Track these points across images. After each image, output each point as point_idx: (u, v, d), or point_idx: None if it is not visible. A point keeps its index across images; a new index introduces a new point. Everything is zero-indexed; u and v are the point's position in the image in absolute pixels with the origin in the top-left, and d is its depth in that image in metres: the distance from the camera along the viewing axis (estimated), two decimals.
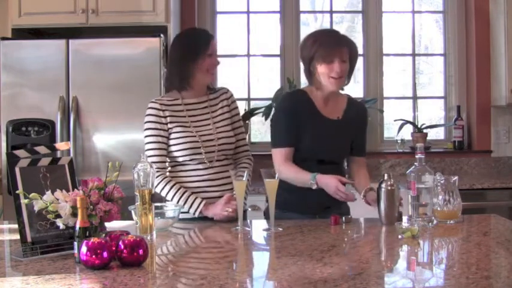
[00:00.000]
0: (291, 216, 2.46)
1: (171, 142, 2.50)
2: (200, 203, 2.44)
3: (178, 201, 2.44)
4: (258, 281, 1.69)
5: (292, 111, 2.51)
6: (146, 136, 2.51)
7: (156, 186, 2.41)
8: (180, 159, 2.50)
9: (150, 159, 2.41)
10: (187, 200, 2.45)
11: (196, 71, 2.50)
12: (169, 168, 2.54)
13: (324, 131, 2.52)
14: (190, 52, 2.50)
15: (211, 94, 2.62)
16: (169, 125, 2.50)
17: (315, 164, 2.48)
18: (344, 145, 2.58)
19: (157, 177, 2.43)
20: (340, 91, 2.62)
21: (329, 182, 2.37)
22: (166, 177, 2.49)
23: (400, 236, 2.06)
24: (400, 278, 1.66)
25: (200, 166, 2.51)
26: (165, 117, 2.51)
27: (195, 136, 2.49)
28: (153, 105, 2.53)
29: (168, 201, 2.47)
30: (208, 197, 2.48)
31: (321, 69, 2.45)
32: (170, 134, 2.50)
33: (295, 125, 2.49)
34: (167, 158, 2.53)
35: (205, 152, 2.49)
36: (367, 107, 4.25)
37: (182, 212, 2.39)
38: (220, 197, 2.47)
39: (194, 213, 2.44)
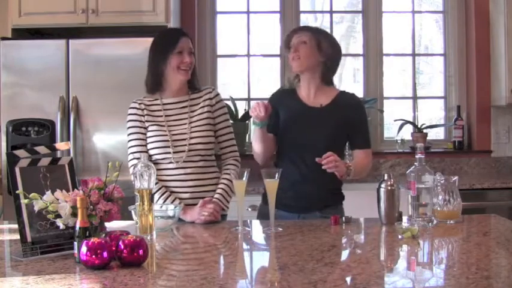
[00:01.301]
0: (280, 214, 2.46)
1: (147, 140, 2.52)
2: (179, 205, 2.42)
3: (157, 200, 2.44)
4: (258, 281, 1.69)
5: (270, 102, 2.54)
6: (128, 134, 2.56)
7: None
8: (153, 158, 2.51)
9: (130, 157, 2.50)
10: (166, 200, 2.45)
11: (167, 71, 2.51)
12: None
13: (305, 118, 2.55)
14: (159, 52, 2.52)
15: (193, 94, 2.61)
16: (147, 124, 2.53)
17: (298, 153, 2.52)
18: (327, 131, 2.52)
19: None
20: (337, 87, 2.66)
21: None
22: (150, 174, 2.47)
23: (400, 236, 2.06)
24: (400, 278, 1.66)
25: (170, 166, 2.50)
26: (144, 115, 2.54)
27: (167, 135, 2.50)
28: (133, 105, 2.58)
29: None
30: (177, 198, 2.47)
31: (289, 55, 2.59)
32: (147, 132, 2.52)
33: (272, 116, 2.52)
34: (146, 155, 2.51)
35: (174, 152, 2.49)
36: (367, 107, 4.32)
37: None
38: (190, 198, 2.48)
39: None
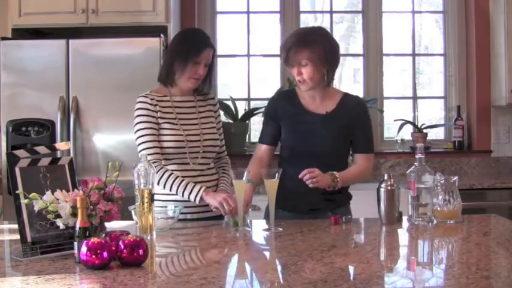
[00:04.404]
0: (279, 213, 2.43)
1: (160, 138, 2.47)
2: (200, 188, 2.38)
3: (177, 189, 2.38)
4: (258, 281, 1.69)
5: (270, 113, 2.60)
6: (139, 130, 2.47)
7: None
8: (163, 156, 2.47)
9: (144, 152, 2.35)
10: (186, 186, 2.38)
11: (180, 74, 2.48)
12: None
13: (308, 126, 2.50)
14: (178, 54, 2.48)
15: (198, 95, 2.61)
16: (160, 120, 2.49)
17: (301, 160, 2.46)
18: (332, 139, 2.50)
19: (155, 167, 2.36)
20: (336, 87, 2.64)
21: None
22: (163, 167, 2.43)
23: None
24: (400, 278, 1.66)
25: (181, 167, 2.47)
26: (156, 111, 2.49)
27: (182, 135, 2.48)
28: (144, 99, 2.50)
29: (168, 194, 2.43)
30: (183, 200, 2.42)
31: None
32: (159, 129, 2.48)
33: (271, 126, 2.57)
34: (160, 150, 2.47)
35: (190, 152, 2.48)
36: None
37: (182, 213, 2.39)
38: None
39: (195, 200, 2.37)
